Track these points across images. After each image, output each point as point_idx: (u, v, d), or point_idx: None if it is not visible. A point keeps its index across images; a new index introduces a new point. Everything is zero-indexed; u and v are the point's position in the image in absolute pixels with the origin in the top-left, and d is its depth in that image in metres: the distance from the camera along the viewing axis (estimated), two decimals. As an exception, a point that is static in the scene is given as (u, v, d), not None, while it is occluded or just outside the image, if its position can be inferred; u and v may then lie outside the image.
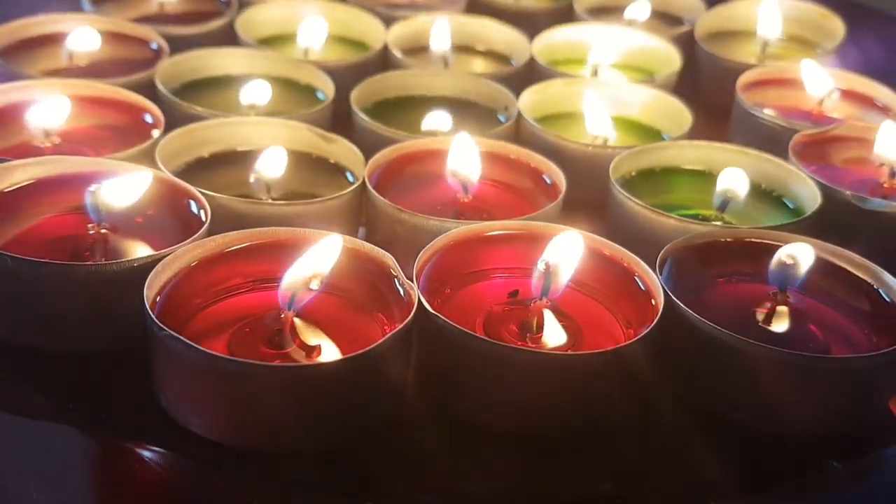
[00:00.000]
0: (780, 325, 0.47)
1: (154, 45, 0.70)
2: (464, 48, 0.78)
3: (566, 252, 0.47)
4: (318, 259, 0.44)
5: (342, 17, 0.78)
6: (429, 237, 0.48)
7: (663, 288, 0.46)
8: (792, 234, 0.51)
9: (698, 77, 0.77)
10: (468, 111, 0.67)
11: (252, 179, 0.55)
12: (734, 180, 0.56)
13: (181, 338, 0.39)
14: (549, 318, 0.46)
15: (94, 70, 0.67)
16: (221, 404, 0.41)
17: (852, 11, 0.82)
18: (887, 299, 0.48)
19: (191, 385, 0.41)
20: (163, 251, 0.45)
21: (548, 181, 0.58)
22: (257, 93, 0.64)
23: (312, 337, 0.44)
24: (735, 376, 0.44)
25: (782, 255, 0.48)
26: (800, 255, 0.48)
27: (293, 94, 0.67)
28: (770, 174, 0.60)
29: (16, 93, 0.59)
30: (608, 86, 0.70)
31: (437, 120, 0.64)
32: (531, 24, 0.78)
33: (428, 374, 0.45)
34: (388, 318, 0.45)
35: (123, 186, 0.49)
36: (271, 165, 0.55)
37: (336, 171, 0.59)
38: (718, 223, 0.55)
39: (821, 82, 0.69)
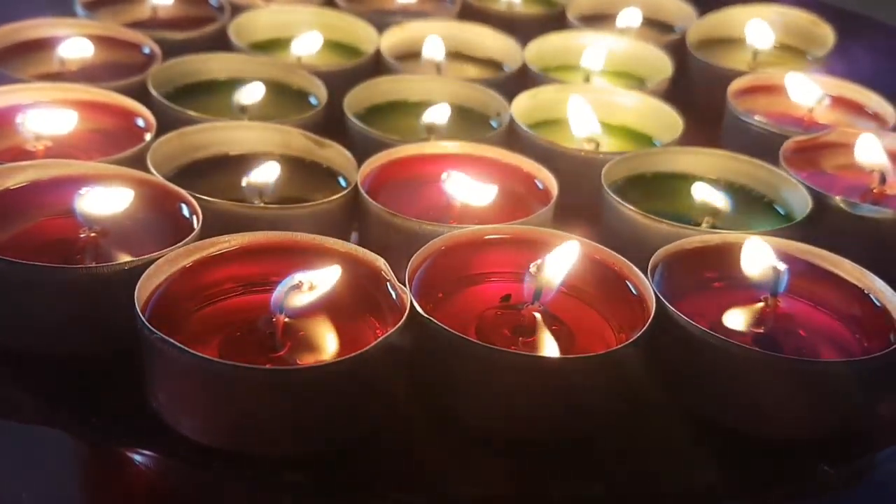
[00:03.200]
0: (771, 330, 0.47)
1: (146, 50, 0.70)
2: (456, 54, 0.78)
3: (560, 258, 0.47)
4: (320, 275, 0.44)
5: (335, 23, 0.78)
6: (421, 241, 0.48)
7: (655, 292, 0.46)
8: (784, 238, 0.51)
9: (690, 84, 0.77)
10: (461, 117, 0.67)
11: (244, 184, 0.55)
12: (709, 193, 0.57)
13: (172, 341, 0.39)
14: (541, 323, 0.46)
15: (87, 74, 0.67)
16: (212, 407, 0.41)
17: (842, 19, 0.83)
18: (878, 304, 0.49)
19: (182, 388, 0.41)
20: (154, 254, 0.45)
21: (540, 186, 0.58)
22: (250, 94, 0.64)
23: (304, 340, 0.44)
24: (727, 380, 0.44)
25: (757, 256, 0.49)
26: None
27: (286, 98, 0.67)
28: (761, 180, 0.60)
29: (7, 96, 0.59)
30: (600, 92, 0.70)
31: (435, 115, 0.64)
32: (524, 30, 0.78)
33: (420, 378, 0.44)
34: (381, 321, 0.45)
35: (111, 195, 0.48)
36: (264, 173, 0.55)
37: (329, 176, 0.59)
38: (710, 228, 0.56)
39: (809, 93, 0.69)
